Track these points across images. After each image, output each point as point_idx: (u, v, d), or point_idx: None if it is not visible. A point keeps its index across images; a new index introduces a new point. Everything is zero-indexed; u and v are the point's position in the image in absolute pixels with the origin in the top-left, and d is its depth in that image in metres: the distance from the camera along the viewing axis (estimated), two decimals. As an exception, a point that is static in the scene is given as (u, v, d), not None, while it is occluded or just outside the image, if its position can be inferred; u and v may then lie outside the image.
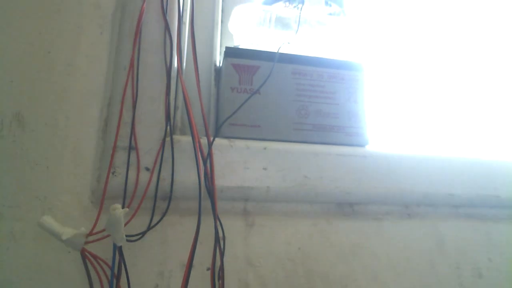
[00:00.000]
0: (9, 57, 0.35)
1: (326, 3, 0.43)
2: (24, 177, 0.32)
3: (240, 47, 0.43)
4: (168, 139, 0.34)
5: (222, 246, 0.32)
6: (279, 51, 0.39)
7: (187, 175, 0.34)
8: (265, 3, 0.43)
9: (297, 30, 0.42)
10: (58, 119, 0.35)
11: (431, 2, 0.60)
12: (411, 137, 0.52)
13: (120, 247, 0.30)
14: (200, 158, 0.32)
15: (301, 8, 0.42)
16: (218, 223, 0.31)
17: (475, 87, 0.58)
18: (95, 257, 0.29)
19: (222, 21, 0.47)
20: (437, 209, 0.41)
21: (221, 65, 0.43)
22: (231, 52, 0.39)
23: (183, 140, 0.35)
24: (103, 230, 0.30)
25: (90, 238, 0.29)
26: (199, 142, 0.32)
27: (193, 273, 0.33)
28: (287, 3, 0.43)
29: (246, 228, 0.35)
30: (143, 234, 0.32)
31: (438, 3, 0.60)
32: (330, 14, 0.45)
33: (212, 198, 0.31)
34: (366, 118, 0.42)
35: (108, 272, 0.30)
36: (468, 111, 0.57)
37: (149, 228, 0.32)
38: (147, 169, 0.33)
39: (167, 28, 0.37)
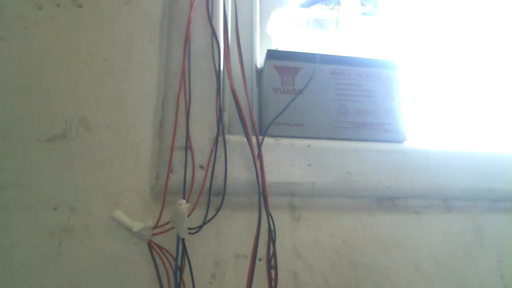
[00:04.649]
0: (72, 67, 0.39)
1: (362, 3, 0.45)
2: (92, 175, 0.36)
3: (280, 49, 0.45)
4: (220, 138, 0.36)
5: (273, 238, 0.34)
6: (318, 53, 0.41)
7: (238, 172, 0.36)
8: (302, 6, 0.45)
9: (335, 31, 0.43)
10: (118, 122, 0.38)
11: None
12: (448, 132, 0.53)
13: (183, 239, 0.32)
14: (252, 156, 0.34)
15: (338, 10, 0.44)
16: (270, 217, 0.34)
17: None
18: (160, 247, 0.32)
19: (259, 24, 0.48)
20: (476, 202, 0.42)
21: (261, 66, 0.45)
22: (273, 55, 0.41)
23: (232, 139, 0.37)
24: (167, 223, 0.32)
25: (156, 231, 0.32)
26: (254, 142, 0.34)
27: (246, 263, 0.35)
28: (324, 5, 0.44)
29: (293, 222, 0.38)
30: (200, 227, 0.34)
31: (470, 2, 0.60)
32: (365, 13, 0.46)
33: (264, 194, 0.33)
34: (403, 115, 0.43)
35: (171, 261, 0.33)
36: (505, 106, 0.56)
37: (206, 221, 0.34)
38: (201, 167, 0.36)
39: (213, 35, 0.39)
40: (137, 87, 0.39)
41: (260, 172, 0.33)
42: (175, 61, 0.39)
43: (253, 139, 0.36)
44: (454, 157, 0.41)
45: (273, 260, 0.33)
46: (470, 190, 0.41)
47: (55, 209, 0.34)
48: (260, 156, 0.35)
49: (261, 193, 0.33)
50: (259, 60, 0.46)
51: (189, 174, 0.35)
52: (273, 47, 0.47)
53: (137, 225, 0.31)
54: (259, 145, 0.35)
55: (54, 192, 0.35)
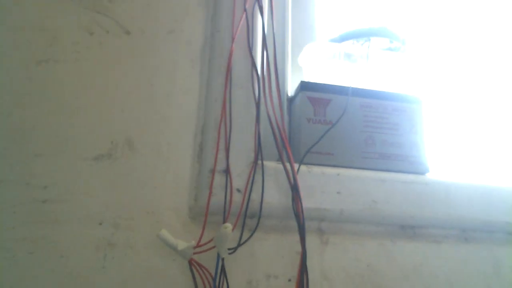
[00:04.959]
0: (119, 90, 0.41)
1: (390, 40, 0.48)
2: (135, 194, 0.38)
3: (312, 81, 0.48)
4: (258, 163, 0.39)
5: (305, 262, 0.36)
6: (350, 86, 0.44)
7: (271, 196, 0.38)
8: (334, 41, 0.48)
9: (366, 66, 0.46)
10: (161, 144, 0.40)
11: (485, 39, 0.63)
12: (468, 164, 0.55)
13: (223, 258, 0.34)
14: (288, 183, 0.37)
15: (368, 46, 0.47)
16: (303, 241, 0.36)
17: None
18: (200, 266, 0.34)
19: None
20: (493, 234, 0.44)
21: (292, 95, 0.47)
22: (306, 86, 0.44)
23: (268, 166, 0.39)
24: (207, 242, 0.35)
25: (197, 250, 0.34)
26: (289, 168, 0.37)
27: (276, 283, 0.37)
28: (355, 41, 0.47)
29: (321, 245, 0.40)
30: (236, 248, 0.36)
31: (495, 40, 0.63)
32: (392, 49, 0.49)
33: (299, 219, 0.36)
34: (426, 148, 0.45)
35: (209, 278, 0.35)
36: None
37: (242, 243, 0.37)
38: (239, 190, 0.38)
39: (253, 66, 0.42)
40: (179, 111, 0.42)
41: (298, 199, 0.36)
42: (215, 88, 0.42)
43: (288, 166, 0.38)
44: (474, 190, 0.44)
45: (304, 282, 0.35)
46: (488, 222, 0.43)
47: (100, 224, 0.36)
48: (296, 183, 0.37)
49: (298, 220, 0.35)
50: (290, 89, 0.49)
51: (227, 197, 0.38)
52: (303, 77, 0.50)
53: (181, 244, 0.33)
54: (295, 173, 0.38)
55: (99, 208, 0.37)
